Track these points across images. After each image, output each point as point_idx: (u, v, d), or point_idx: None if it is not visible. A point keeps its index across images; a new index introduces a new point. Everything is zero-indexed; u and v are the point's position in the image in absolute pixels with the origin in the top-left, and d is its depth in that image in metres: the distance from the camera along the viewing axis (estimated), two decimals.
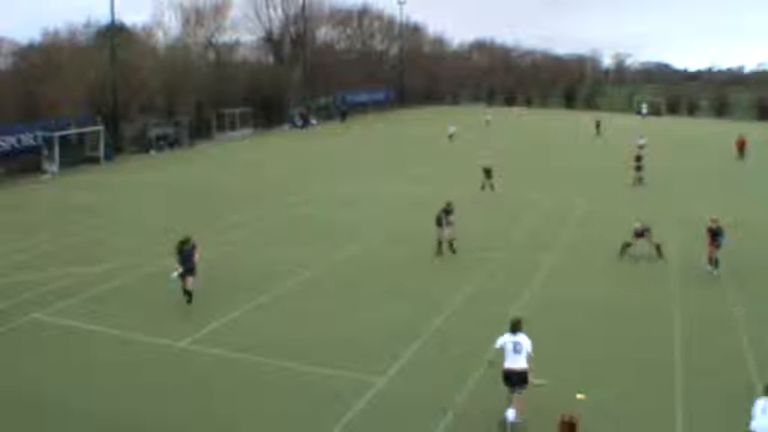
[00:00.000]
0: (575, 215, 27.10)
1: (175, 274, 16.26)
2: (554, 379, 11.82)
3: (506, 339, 11.25)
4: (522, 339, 11.17)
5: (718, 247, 19.46)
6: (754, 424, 9.99)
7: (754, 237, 23.52)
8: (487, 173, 31.20)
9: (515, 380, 11.06)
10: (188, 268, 16.28)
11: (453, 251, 21.12)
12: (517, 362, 11.04)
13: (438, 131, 51.86)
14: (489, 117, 62.95)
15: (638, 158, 34.57)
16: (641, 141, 42.69)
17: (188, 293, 16.39)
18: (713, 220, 19.77)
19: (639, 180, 33.67)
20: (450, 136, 49.19)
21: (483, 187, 31.07)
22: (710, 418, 11.75)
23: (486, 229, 24.55)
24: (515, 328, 11.28)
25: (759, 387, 11.88)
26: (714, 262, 19.48)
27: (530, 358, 11.10)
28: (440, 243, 21.06)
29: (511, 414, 11.12)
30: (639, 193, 31.70)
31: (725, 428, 11.44)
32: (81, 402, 11.91)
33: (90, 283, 18.12)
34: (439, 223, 21.11)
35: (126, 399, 12.03)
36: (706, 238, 19.69)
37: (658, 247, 20.86)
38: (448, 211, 21.15)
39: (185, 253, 16.28)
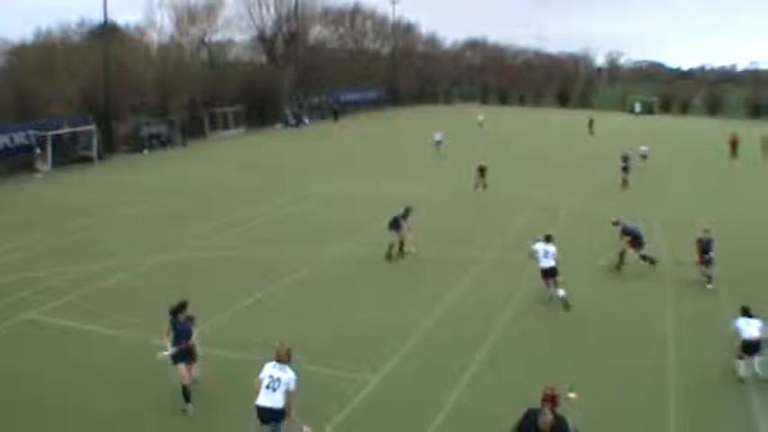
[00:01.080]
0: (568, 215, 27.22)
1: (165, 353, 11.67)
2: (550, 378, 11.89)
3: (540, 246, 16.73)
4: (551, 248, 16.65)
5: (707, 263, 18.31)
6: (744, 335, 12.32)
7: (748, 236, 23.69)
8: (482, 172, 31.22)
9: (548, 273, 16.58)
10: (184, 351, 11.70)
11: (403, 255, 20.65)
12: (547, 263, 16.53)
13: (431, 131, 51.73)
14: (482, 117, 62.49)
15: (625, 159, 33.89)
16: (644, 149, 40.45)
17: (185, 389, 11.67)
18: (705, 231, 18.57)
19: (625, 182, 33.26)
20: (438, 143, 44.65)
21: (476, 186, 31.10)
22: (705, 416, 11.90)
23: (482, 228, 24.67)
24: (548, 239, 16.89)
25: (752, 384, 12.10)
26: (707, 276, 18.35)
27: (556, 261, 16.48)
28: (391, 247, 20.58)
29: (561, 291, 16.42)
30: (633, 193, 31.85)
31: (719, 426, 11.60)
32: (78, 401, 11.94)
33: (86, 282, 18.10)
34: (393, 227, 20.60)
35: (123, 398, 12.07)
36: (695, 249, 18.60)
37: (644, 257, 19.79)
38: (406, 215, 20.76)
39: (180, 326, 11.76)
